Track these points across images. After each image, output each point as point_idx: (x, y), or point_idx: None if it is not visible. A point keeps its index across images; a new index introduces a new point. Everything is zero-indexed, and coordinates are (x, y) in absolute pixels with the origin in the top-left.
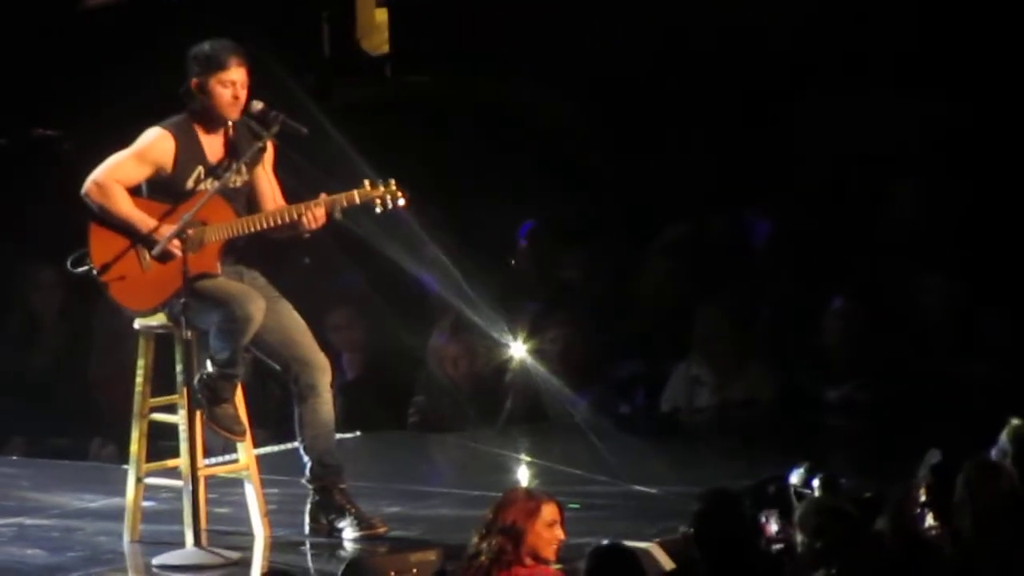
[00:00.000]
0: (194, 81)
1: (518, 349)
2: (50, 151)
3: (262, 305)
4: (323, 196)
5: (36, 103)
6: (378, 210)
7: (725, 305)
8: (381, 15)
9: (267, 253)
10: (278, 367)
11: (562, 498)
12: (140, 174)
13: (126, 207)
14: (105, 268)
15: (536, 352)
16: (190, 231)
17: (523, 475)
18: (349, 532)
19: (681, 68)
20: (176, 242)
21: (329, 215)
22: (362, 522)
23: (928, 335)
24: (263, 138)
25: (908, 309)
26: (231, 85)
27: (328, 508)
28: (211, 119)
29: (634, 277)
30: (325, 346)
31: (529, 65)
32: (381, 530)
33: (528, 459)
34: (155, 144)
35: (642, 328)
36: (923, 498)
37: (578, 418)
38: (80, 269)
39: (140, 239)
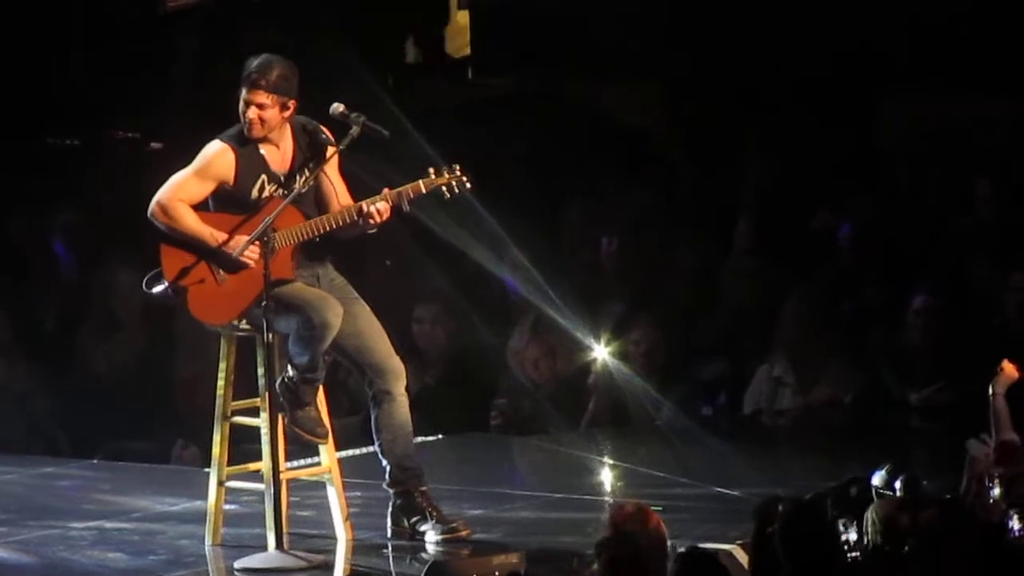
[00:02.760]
0: None
1: (601, 351)
2: (131, 152)
3: (339, 311)
4: (386, 191)
5: (114, 105)
6: (446, 197)
7: (808, 306)
8: (463, 18)
9: (348, 255)
10: (354, 370)
11: (645, 500)
12: (203, 190)
13: (193, 224)
14: (180, 286)
15: (619, 354)
16: (261, 241)
17: (606, 478)
18: (431, 535)
19: (763, 69)
20: (251, 252)
21: (396, 208)
22: (444, 525)
23: (1011, 334)
24: (340, 141)
25: (991, 308)
26: (244, 105)
27: (410, 511)
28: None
29: (716, 279)
30: (407, 346)
31: (609, 66)
32: (463, 533)
33: (611, 462)
34: (215, 159)
35: (724, 329)
36: (996, 490)
37: (660, 420)
38: (156, 289)
39: (211, 254)
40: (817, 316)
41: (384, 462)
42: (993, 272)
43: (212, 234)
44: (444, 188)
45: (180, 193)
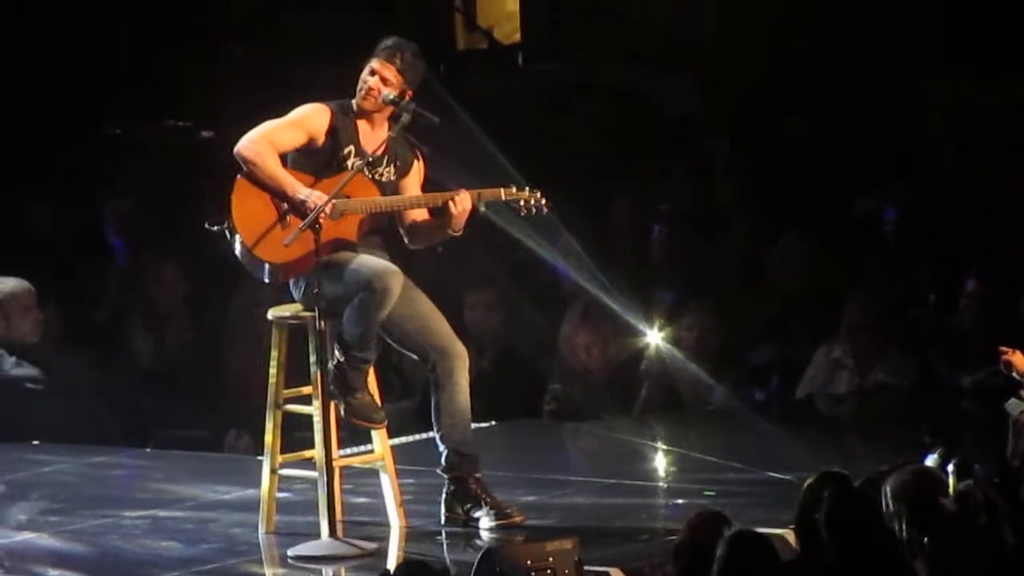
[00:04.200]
0: None
1: (654, 336)
2: (182, 142)
3: (401, 280)
4: (466, 189)
5: (164, 94)
6: (522, 213)
7: (873, 290)
8: (513, 3)
9: (400, 243)
10: (415, 355)
11: (697, 486)
12: (294, 140)
13: (278, 169)
14: (245, 225)
15: (672, 339)
16: (334, 202)
17: (659, 463)
18: (485, 522)
19: (809, 53)
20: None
21: (474, 207)
22: (498, 511)
23: None
24: (391, 128)
25: None
26: (369, 73)
27: (464, 498)
28: (369, 114)
29: (769, 264)
30: (462, 334)
31: (657, 52)
32: (517, 519)
33: (663, 447)
34: (311, 114)
35: (776, 315)
36: None
37: (713, 405)
38: (218, 227)
39: (289, 203)
40: (880, 301)
41: (442, 447)
42: None
43: (292, 183)
44: (522, 203)
45: (272, 136)
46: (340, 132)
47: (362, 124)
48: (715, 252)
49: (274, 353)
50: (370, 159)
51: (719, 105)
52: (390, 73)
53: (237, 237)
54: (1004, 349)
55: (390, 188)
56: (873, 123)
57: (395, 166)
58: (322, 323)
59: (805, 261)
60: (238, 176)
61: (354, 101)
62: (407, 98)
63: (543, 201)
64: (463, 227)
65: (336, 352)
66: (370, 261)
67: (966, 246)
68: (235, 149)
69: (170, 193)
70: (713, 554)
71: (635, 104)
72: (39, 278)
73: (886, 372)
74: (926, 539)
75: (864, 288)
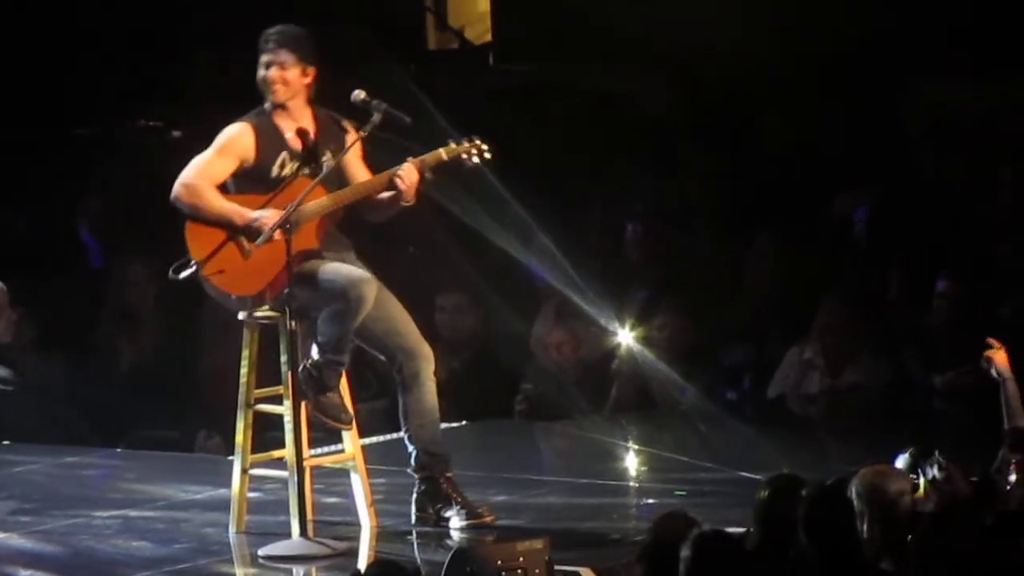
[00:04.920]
0: None
1: (625, 336)
2: (153, 141)
3: (375, 287)
4: (409, 159)
5: (136, 93)
6: (468, 166)
7: (845, 291)
8: (484, 4)
9: (372, 242)
10: (382, 356)
11: (669, 486)
12: (226, 168)
13: (218, 202)
14: (207, 263)
15: (644, 339)
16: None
17: (631, 463)
18: (456, 521)
19: (786, 55)
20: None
21: (421, 175)
22: (469, 511)
23: None
24: (362, 128)
25: (1013, 291)
26: (264, 68)
27: (435, 497)
28: (285, 107)
29: (741, 265)
30: (431, 334)
31: (630, 51)
32: (488, 519)
33: (635, 447)
34: (235, 138)
35: (749, 315)
36: (1013, 476)
37: (685, 405)
38: (184, 274)
39: (239, 230)
40: (852, 302)
41: (411, 448)
42: (1016, 256)
43: (238, 211)
44: (464, 156)
45: (203, 172)
46: (267, 144)
47: (285, 124)
48: (689, 252)
49: (245, 352)
50: (303, 157)
51: (693, 106)
52: (284, 56)
53: (204, 279)
54: (992, 342)
55: (333, 173)
56: (850, 124)
57: (331, 150)
58: (293, 323)
59: (779, 262)
60: (187, 223)
61: (266, 105)
62: (311, 77)
63: (483, 147)
64: (415, 196)
65: (312, 351)
66: (343, 270)
67: (940, 246)
68: (171, 198)
69: (142, 193)
70: (678, 556)
71: (608, 105)
72: (11, 279)
73: (859, 372)
74: (908, 537)
75: (836, 289)
